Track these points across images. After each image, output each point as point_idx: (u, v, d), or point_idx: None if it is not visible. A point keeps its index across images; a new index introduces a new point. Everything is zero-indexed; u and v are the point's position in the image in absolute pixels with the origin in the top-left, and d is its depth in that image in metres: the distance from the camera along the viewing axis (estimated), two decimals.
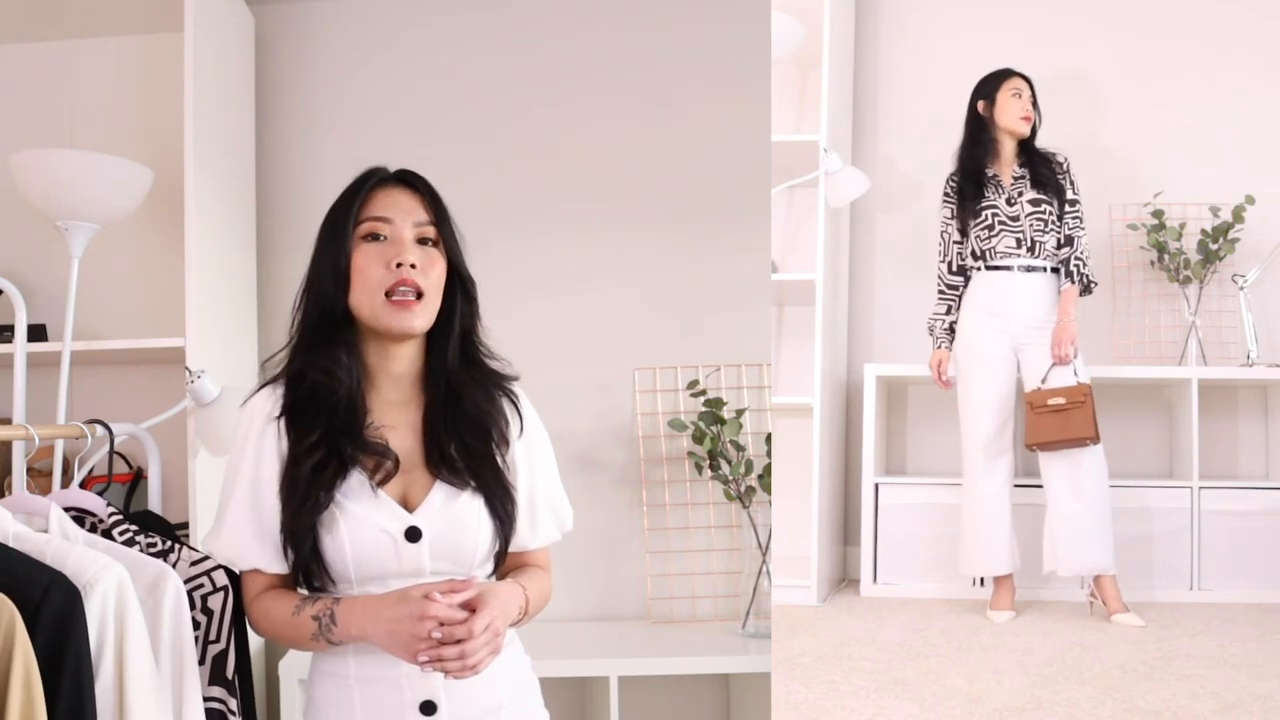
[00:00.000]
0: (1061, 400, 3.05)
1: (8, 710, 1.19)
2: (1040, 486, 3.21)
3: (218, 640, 1.58)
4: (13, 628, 1.22)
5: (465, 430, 1.53)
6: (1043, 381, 3.11)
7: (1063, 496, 3.12)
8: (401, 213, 1.52)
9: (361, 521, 1.45)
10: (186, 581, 1.56)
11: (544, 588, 1.62)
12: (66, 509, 1.62)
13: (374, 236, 1.51)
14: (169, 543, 1.61)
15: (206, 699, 1.52)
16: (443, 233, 1.54)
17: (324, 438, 1.47)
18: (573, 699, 2.91)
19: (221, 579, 1.59)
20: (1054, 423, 3.05)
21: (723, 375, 2.96)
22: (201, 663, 1.54)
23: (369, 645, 1.44)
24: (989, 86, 3.26)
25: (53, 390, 2.38)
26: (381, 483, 1.48)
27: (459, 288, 1.56)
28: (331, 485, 1.45)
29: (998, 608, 3.17)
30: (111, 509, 1.69)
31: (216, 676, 1.55)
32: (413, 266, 1.48)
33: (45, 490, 2.53)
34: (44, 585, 1.27)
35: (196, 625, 1.54)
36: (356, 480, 1.47)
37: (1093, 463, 3.10)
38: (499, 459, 1.55)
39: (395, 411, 1.54)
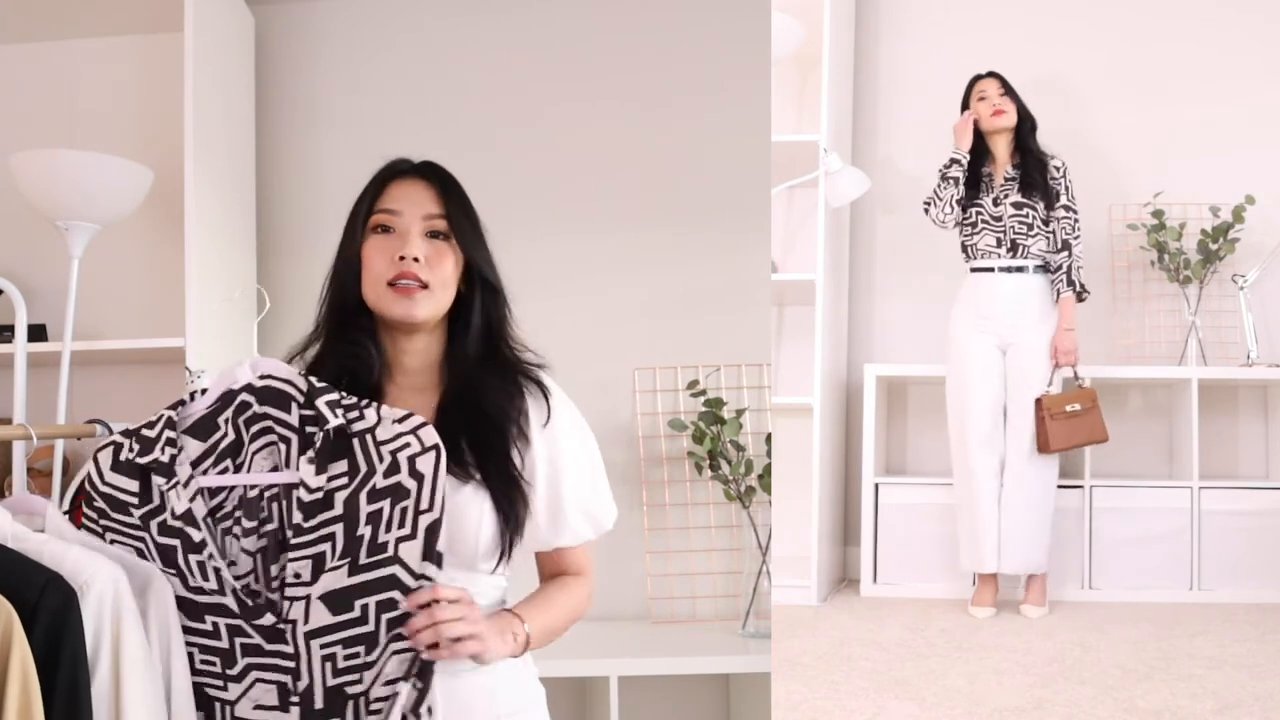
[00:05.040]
0: (1077, 406, 3.17)
1: (5, 710, 1.19)
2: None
3: (430, 508, 1.36)
4: (10, 628, 1.22)
5: (478, 423, 1.50)
6: (1049, 386, 3.20)
7: (1011, 497, 3.24)
8: (411, 205, 1.52)
9: None
10: (391, 440, 1.38)
11: (566, 607, 1.58)
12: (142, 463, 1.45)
13: (383, 229, 1.52)
14: (366, 402, 1.44)
15: (420, 577, 1.35)
16: (454, 225, 1.53)
17: None
18: (573, 699, 2.91)
19: (431, 436, 1.39)
20: (1072, 428, 3.17)
21: (723, 375, 2.96)
22: (413, 536, 1.35)
23: None
24: (965, 98, 3.40)
25: (53, 390, 2.38)
26: None
27: (478, 281, 1.56)
28: None
29: (980, 604, 3.22)
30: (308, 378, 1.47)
31: (429, 551, 1.35)
32: (416, 260, 1.49)
33: (45, 490, 2.53)
34: (40, 585, 1.27)
35: (405, 493, 1.36)
36: None
37: (1045, 466, 3.23)
38: (513, 454, 1.51)
39: (411, 398, 1.53)
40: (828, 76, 3.42)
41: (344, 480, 1.38)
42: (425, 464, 1.38)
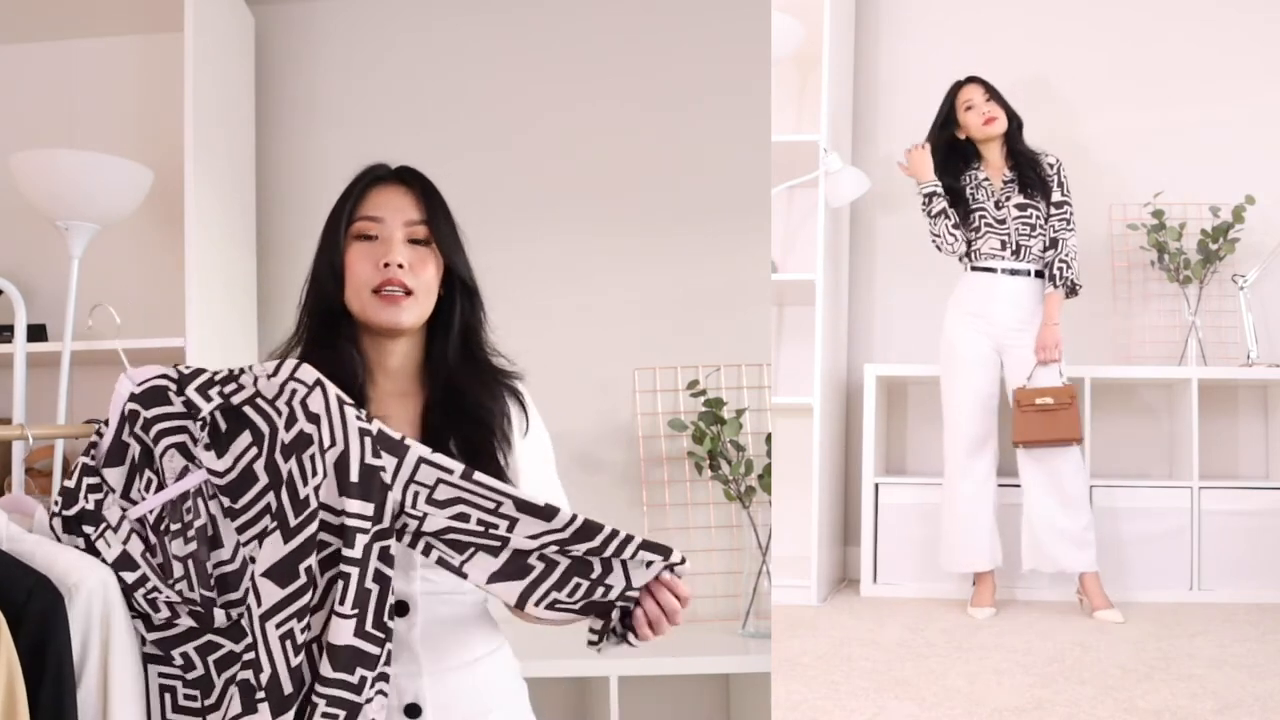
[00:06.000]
0: (1049, 400, 3.12)
1: None
2: (1019, 486, 3.25)
3: (334, 443, 1.31)
4: None
5: (465, 425, 1.52)
6: (1028, 379, 3.17)
7: (1041, 496, 3.18)
8: (393, 212, 1.52)
9: None
10: (278, 394, 1.35)
11: None
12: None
13: (365, 236, 1.52)
14: (239, 370, 1.44)
15: (341, 513, 1.30)
16: (436, 232, 1.53)
17: None
18: (573, 699, 2.91)
19: (310, 374, 1.36)
20: (1041, 422, 3.11)
21: (723, 375, 2.96)
22: (326, 476, 1.31)
23: None
24: (947, 110, 3.35)
25: (53, 390, 2.38)
26: None
27: (458, 285, 1.56)
28: None
29: (978, 604, 3.22)
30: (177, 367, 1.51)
31: (345, 486, 1.29)
32: (400, 266, 1.49)
33: (45, 490, 2.53)
34: (28, 587, 1.26)
35: (309, 440, 1.31)
36: None
37: (1072, 462, 3.16)
38: (499, 456, 1.53)
39: (394, 403, 1.54)
40: (828, 76, 3.42)
41: (255, 450, 1.36)
42: (316, 402, 1.34)
